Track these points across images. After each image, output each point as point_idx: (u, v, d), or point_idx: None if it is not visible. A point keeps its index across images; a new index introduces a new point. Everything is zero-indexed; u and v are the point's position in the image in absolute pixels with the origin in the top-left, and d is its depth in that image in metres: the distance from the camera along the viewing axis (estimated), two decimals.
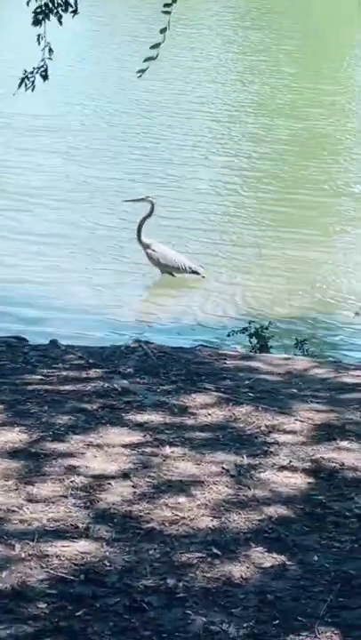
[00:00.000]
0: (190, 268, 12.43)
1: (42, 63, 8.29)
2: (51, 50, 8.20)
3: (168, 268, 12.53)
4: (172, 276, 12.54)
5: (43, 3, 8.08)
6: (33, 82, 8.33)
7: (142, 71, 6.83)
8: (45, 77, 8.29)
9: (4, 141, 17.94)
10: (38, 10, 8.09)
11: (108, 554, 4.25)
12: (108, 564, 4.18)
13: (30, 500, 4.67)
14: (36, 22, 8.10)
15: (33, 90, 8.34)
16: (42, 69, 8.30)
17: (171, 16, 6.72)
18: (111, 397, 6.13)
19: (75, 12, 8.14)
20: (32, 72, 8.30)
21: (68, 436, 5.45)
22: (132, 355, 7.14)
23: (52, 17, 8.15)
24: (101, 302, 11.50)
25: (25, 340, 7.73)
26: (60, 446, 5.30)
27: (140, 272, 12.82)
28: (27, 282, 11.72)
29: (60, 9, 8.10)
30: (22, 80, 8.30)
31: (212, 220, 14.63)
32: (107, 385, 6.34)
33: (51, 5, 8.09)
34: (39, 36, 8.20)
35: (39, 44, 8.22)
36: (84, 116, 20.15)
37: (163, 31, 6.84)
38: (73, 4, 8.11)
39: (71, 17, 8.17)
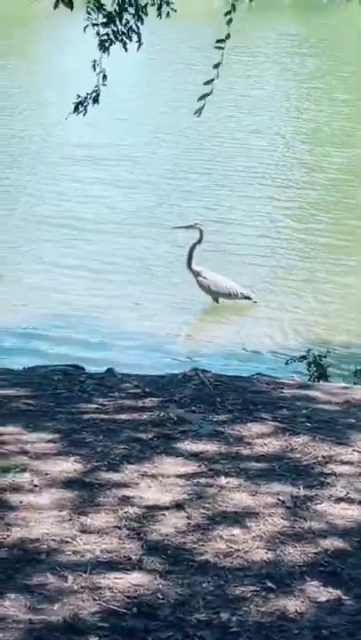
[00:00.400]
0: (242, 293, 12.37)
1: (95, 89, 8.34)
2: (105, 76, 8.26)
3: (220, 295, 12.47)
4: (217, 302, 12.48)
5: (105, 32, 8.12)
6: (86, 107, 8.39)
7: (200, 110, 6.82)
8: (96, 101, 8.34)
9: (55, 171, 18.00)
10: (104, 37, 8.16)
11: (160, 586, 4.20)
12: (160, 596, 4.13)
13: (84, 531, 4.64)
14: (103, 48, 8.17)
15: (84, 115, 8.40)
16: (94, 94, 8.36)
17: (226, 45, 6.71)
18: (166, 427, 6.10)
19: (139, 42, 8.18)
20: (85, 98, 8.36)
21: (122, 466, 5.42)
22: (188, 383, 7.10)
23: (117, 43, 8.21)
24: (157, 330, 11.50)
25: (82, 369, 7.73)
26: (115, 476, 5.28)
27: (194, 300, 12.78)
28: (82, 311, 11.73)
29: (124, 36, 8.16)
30: (76, 106, 8.37)
31: (264, 247, 14.55)
32: (162, 414, 6.31)
33: (115, 34, 8.15)
34: (95, 62, 8.27)
35: (94, 69, 8.29)
36: (136, 145, 20.20)
37: (216, 66, 6.83)
38: (136, 33, 8.15)
39: (136, 48, 8.21)
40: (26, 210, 15.65)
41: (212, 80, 6.72)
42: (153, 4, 8.33)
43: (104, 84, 8.23)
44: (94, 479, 5.22)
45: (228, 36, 6.78)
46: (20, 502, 4.90)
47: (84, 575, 4.24)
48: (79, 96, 8.30)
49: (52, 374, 7.34)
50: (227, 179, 18.13)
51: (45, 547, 4.48)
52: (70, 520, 4.75)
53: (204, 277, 12.44)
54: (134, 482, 5.22)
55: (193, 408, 6.50)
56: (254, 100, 24.70)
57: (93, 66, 8.22)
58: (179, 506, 4.95)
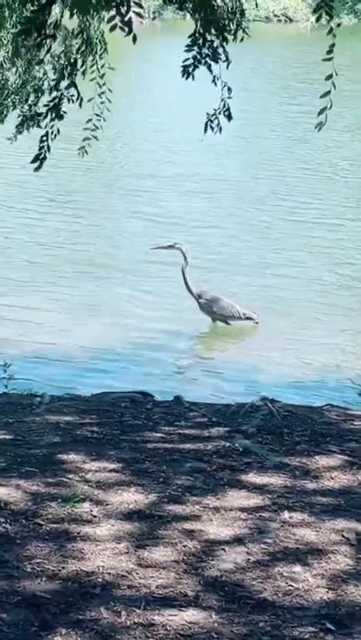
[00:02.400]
0: (244, 314, 12.20)
1: (222, 103, 8.14)
2: (229, 89, 8.04)
3: (222, 317, 12.31)
4: (214, 322, 12.32)
5: (190, 56, 7.92)
6: (218, 124, 8.18)
7: (320, 125, 6.65)
8: (230, 117, 8.11)
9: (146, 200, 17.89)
10: (187, 62, 7.96)
11: (216, 625, 4.08)
12: (215, 635, 4.01)
13: (140, 565, 4.55)
14: (186, 74, 7.96)
15: (220, 132, 8.20)
16: (224, 110, 8.16)
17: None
18: (231, 458, 5.99)
19: (227, 60, 7.93)
20: (214, 114, 8.16)
21: (184, 498, 5.32)
22: (256, 413, 6.99)
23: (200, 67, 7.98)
24: (231, 358, 11.34)
25: (150, 396, 7.67)
26: (176, 508, 5.18)
27: (267, 326, 12.51)
28: (154, 337, 11.65)
29: (207, 59, 7.95)
30: (206, 124, 8.18)
31: (320, 281, 14.19)
32: (228, 444, 6.21)
33: (198, 57, 7.92)
34: (215, 77, 8.08)
35: (215, 85, 8.09)
36: (222, 175, 20.01)
37: (328, 78, 6.62)
38: (223, 53, 7.91)
39: (225, 67, 7.99)
40: (104, 243, 15.61)
41: (329, 92, 6.54)
42: (229, 30, 8.11)
43: (229, 97, 8.01)
44: (155, 511, 5.13)
45: (332, 47, 6.60)
46: (78, 533, 4.82)
47: (137, 611, 4.14)
48: (208, 114, 8.10)
49: (120, 401, 7.29)
50: (308, 211, 17.76)
51: (100, 580, 4.39)
52: (127, 553, 4.66)
53: (206, 300, 12.30)
54: (195, 514, 5.12)
55: (259, 439, 6.38)
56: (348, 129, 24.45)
57: (213, 81, 8.01)
58: (239, 540, 4.84)
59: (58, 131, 7.94)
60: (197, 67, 7.91)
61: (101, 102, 9.13)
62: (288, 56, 37.69)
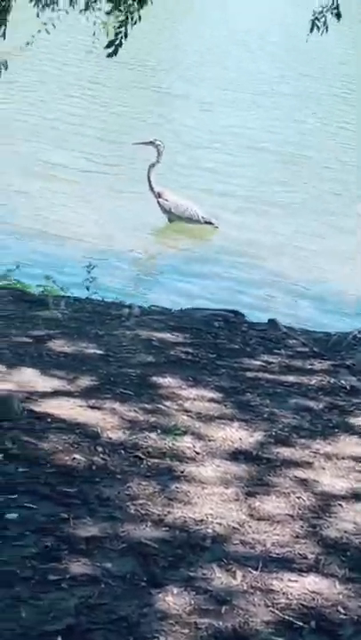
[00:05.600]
0: (203, 218, 11.82)
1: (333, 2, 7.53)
2: None
3: (180, 219, 11.92)
4: (170, 222, 11.97)
5: None
6: (325, 23, 7.60)
7: None
8: (339, 16, 7.52)
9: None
10: None
11: (341, 597, 3.65)
12: (342, 610, 3.58)
13: (252, 516, 4.12)
14: None
15: (327, 31, 7.62)
16: (332, 7, 7.56)
17: None
18: (338, 397, 5.54)
19: None
20: (321, 12, 7.57)
21: (292, 440, 4.89)
22: (359, 346, 6.52)
23: None
24: (320, 279, 10.82)
25: (242, 316, 7.21)
26: (285, 451, 4.74)
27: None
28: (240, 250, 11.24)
29: None
30: (313, 22, 7.60)
31: None
32: (333, 381, 5.76)
33: None
34: None
35: None
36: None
37: None
38: None
39: None
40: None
41: None
42: None
43: None
44: (262, 452, 4.70)
45: None
46: (182, 472, 4.40)
47: (254, 573, 3.71)
48: (314, 12, 7.52)
49: (213, 320, 6.83)
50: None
51: (210, 531, 3.97)
52: (237, 500, 4.23)
53: (165, 199, 11.89)
54: (306, 460, 4.68)
55: None
56: None
57: None
58: (357, 496, 4.40)
59: (139, 17, 7.42)
60: None
61: None
62: None
